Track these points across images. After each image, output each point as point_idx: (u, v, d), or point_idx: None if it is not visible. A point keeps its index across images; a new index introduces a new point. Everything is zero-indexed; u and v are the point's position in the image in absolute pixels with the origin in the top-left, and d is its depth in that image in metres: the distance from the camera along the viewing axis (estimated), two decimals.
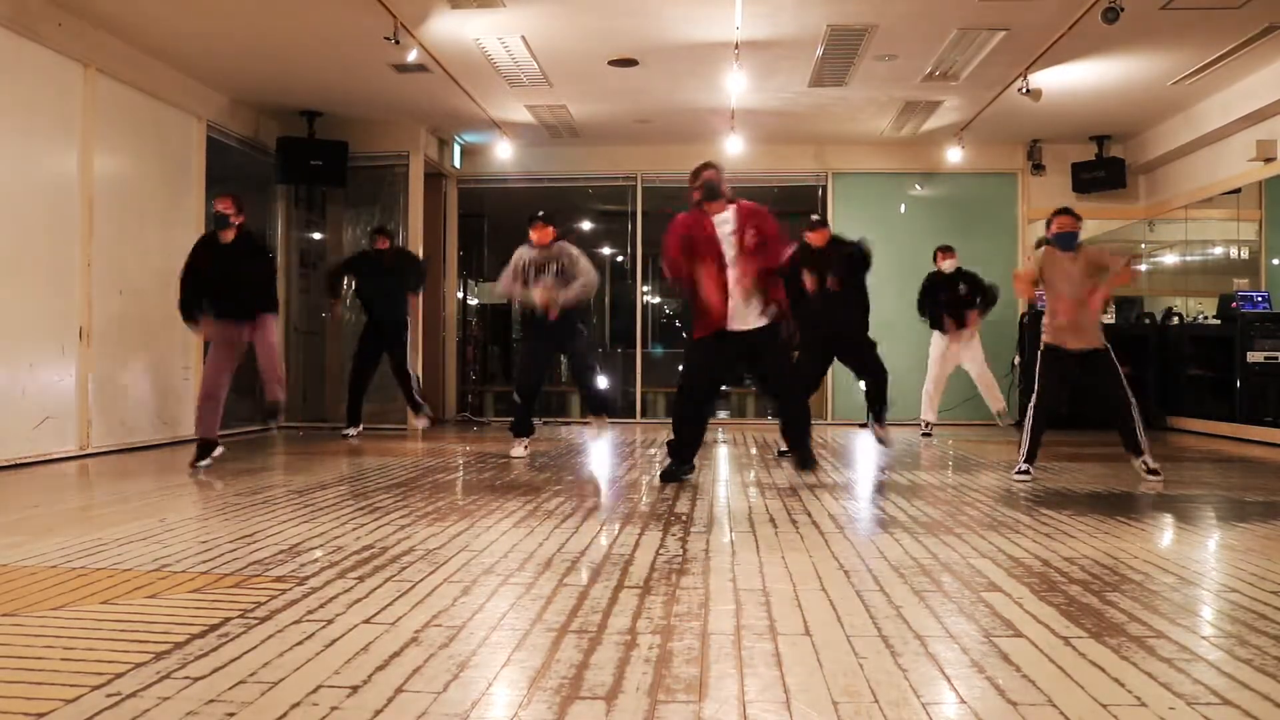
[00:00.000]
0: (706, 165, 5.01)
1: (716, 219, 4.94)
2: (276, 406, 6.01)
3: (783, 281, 5.10)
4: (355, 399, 7.97)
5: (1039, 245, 5.46)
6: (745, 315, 4.92)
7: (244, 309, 5.79)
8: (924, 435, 8.25)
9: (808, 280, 6.28)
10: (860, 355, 6.61)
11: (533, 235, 6.33)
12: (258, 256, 5.92)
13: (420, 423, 8.09)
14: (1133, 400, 5.21)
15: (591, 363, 6.87)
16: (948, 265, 8.15)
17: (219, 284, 5.74)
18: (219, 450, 5.83)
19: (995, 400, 8.44)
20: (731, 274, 4.88)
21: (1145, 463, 5.20)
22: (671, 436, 5.17)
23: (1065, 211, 5.40)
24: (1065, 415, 6.73)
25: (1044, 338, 5.39)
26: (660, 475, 5.19)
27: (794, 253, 5.83)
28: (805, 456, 5.08)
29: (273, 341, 5.94)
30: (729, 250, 4.89)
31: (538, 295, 6.17)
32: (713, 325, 4.90)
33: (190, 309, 5.73)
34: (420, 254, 9.08)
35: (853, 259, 6.41)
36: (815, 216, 6.96)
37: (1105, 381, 5.21)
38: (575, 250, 6.33)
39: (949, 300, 8.14)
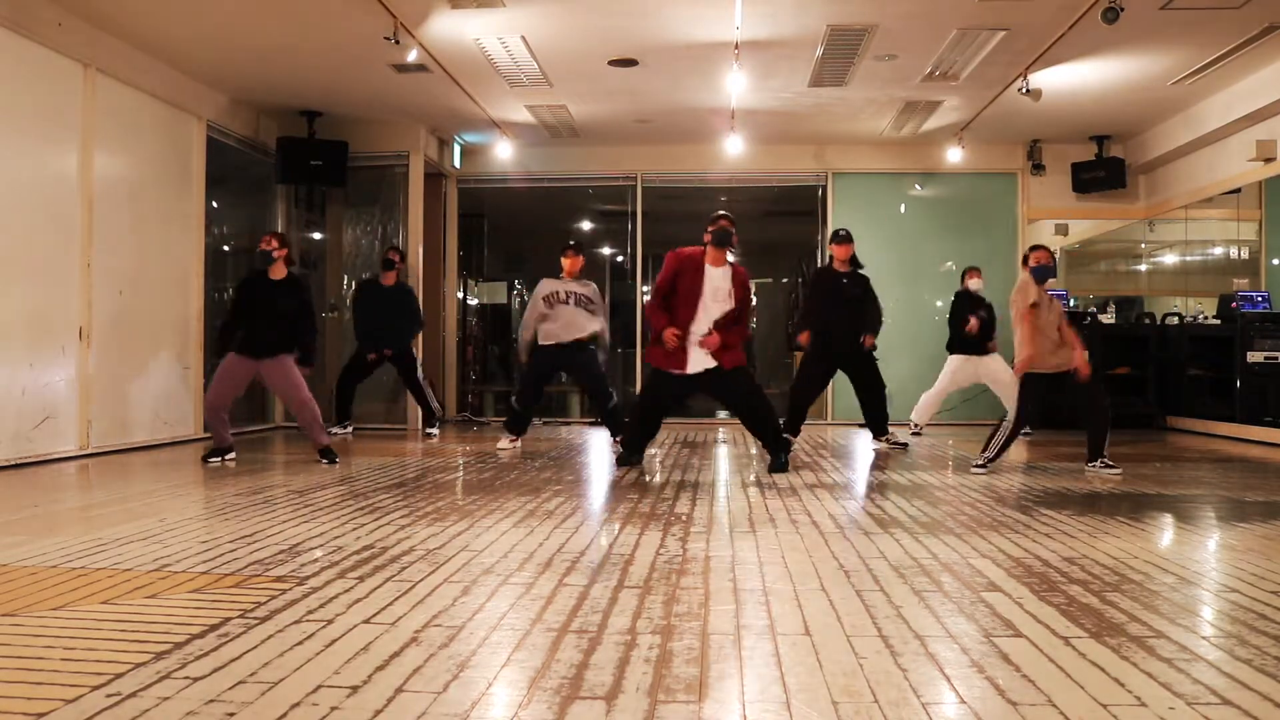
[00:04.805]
0: (724, 216, 5.60)
1: (710, 271, 5.49)
2: (327, 452, 5.91)
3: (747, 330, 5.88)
4: (343, 396, 8.16)
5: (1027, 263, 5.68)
6: (700, 360, 5.45)
7: (265, 348, 5.79)
8: (914, 434, 8.22)
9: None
10: (860, 369, 7.01)
11: (564, 263, 6.77)
12: (298, 303, 5.93)
13: (431, 429, 8.22)
14: (1104, 410, 5.54)
15: (599, 373, 6.91)
16: (974, 284, 8.10)
17: (253, 321, 5.78)
18: (231, 455, 6.01)
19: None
20: (698, 325, 5.44)
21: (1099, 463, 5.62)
22: (628, 433, 5.93)
23: (1041, 247, 5.68)
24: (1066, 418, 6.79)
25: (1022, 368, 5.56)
26: (616, 460, 5.94)
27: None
28: (780, 463, 5.64)
29: (295, 381, 5.84)
30: (708, 302, 5.45)
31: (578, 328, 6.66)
32: (669, 364, 5.49)
33: (225, 345, 5.86)
34: (419, 256, 9.10)
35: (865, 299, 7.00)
36: (842, 231, 7.18)
37: (1081, 394, 5.56)
38: (597, 292, 6.86)
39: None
